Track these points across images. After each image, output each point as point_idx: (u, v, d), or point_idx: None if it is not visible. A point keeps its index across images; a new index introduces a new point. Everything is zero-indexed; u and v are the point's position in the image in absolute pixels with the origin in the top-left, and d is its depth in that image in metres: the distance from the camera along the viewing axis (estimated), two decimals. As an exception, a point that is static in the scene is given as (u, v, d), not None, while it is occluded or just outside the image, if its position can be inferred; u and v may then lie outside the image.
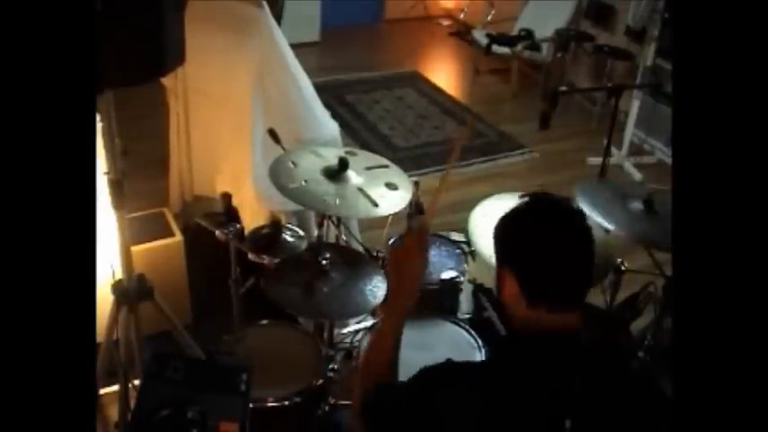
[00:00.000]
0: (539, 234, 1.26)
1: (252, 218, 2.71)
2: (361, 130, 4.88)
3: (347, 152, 2.35)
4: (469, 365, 1.33)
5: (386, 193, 2.19)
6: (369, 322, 2.35)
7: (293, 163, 2.25)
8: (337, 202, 2.09)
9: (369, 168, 2.31)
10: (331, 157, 2.28)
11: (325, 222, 2.40)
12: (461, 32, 6.70)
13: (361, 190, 2.16)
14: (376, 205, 2.12)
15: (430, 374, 1.28)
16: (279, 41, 2.80)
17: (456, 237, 2.62)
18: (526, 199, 1.33)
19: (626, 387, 1.26)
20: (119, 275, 2.04)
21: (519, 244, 1.28)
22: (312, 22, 6.21)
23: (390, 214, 2.24)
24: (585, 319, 1.25)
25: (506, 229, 1.31)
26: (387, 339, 1.44)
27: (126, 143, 1.86)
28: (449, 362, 1.31)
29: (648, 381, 1.27)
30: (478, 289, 2.57)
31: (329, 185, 2.16)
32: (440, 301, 2.36)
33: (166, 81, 2.89)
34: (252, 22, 2.75)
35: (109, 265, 2.03)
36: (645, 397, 1.25)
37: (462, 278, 2.41)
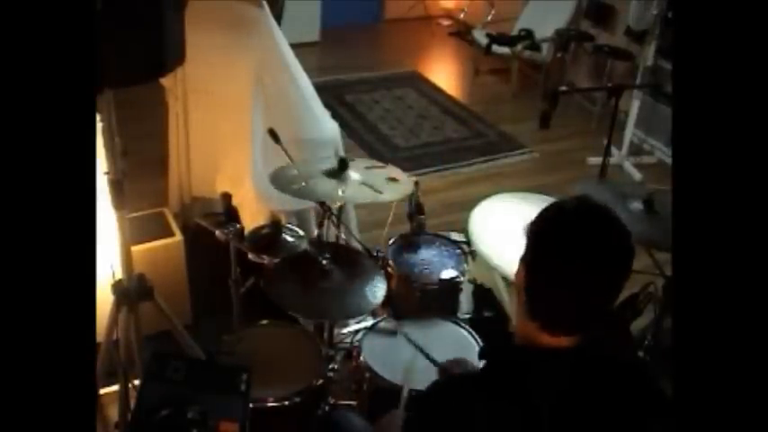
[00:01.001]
0: (556, 254, 1.15)
1: (252, 218, 2.71)
2: (361, 130, 4.88)
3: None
4: (461, 379, 1.30)
5: (388, 184, 2.19)
6: (369, 322, 2.35)
7: (296, 171, 2.25)
8: (341, 192, 2.08)
9: (367, 168, 2.31)
10: (329, 163, 2.28)
11: (326, 222, 2.40)
12: (461, 32, 6.70)
13: (363, 183, 2.16)
14: (380, 192, 2.11)
15: (428, 401, 1.27)
16: (279, 41, 2.80)
17: (456, 237, 2.62)
18: (573, 203, 1.21)
19: (617, 413, 1.20)
20: (119, 275, 2.04)
21: (536, 251, 1.19)
22: (312, 22, 6.21)
23: (390, 214, 2.24)
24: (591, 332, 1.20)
25: (535, 227, 1.20)
26: None
27: (126, 143, 1.86)
28: (438, 383, 1.28)
29: (654, 411, 1.22)
30: (479, 289, 2.58)
31: (331, 182, 2.16)
32: (440, 301, 2.36)
33: (166, 81, 2.89)
34: (252, 22, 2.75)
35: (109, 265, 2.03)
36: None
37: (462, 278, 2.41)
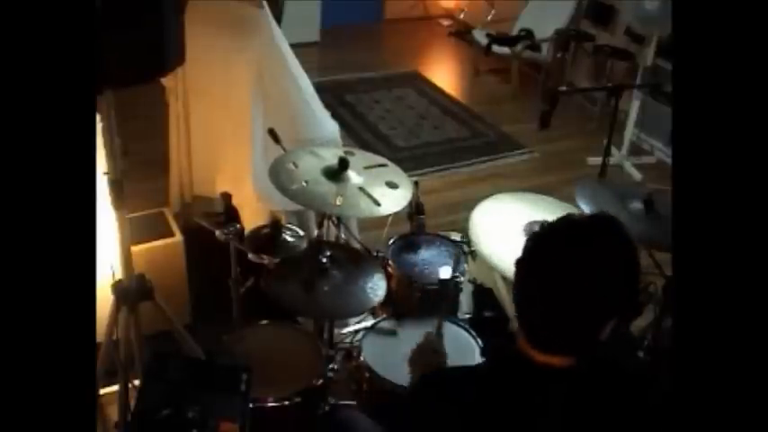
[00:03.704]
0: (536, 270, 1.14)
1: (252, 218, 2.71)
2: (361, 130, 4.88)
3: (345, 152, 2.35)
4: (458, 374, 1.30)
5: (387, 192, 2.19)
6: (369, 322, 2.35)
7: (293, 164, 2.25)
8: (339, 201, 2.09)
9: (367, 168, 2.31)
10: (330, 157, 2.28)
11: (326, 222, 2.40)
12: (461, 32, 6.70)
13: (362, 189, 2.16)
14: (378, 204, 2.12)
15: (423, 390, 1.27)
16: (279, 41, 2.80)
17: (456, 237, 2.62)
18: (554, 222, 1.17)
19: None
20: (119, 275, 2.04)
21: (518, 268, 1.17)
22: (312, 22, 6.21)
23: (390, 214, 2.24)
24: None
25: (524, 246, 1.18)
26: None
27: (126, 143, 1.85)
28: (435, 374, 1.28)
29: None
30: (478, 289, 2.58)
31: (330, 185, 2.16)
32: (440, 301, 2.36)
33: (166, 81, 2.89)
34: (252, 22, 2.75)
35: (109, 265, 2.03)
36: None
37: (462, 278, 2.41)
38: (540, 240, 1.16)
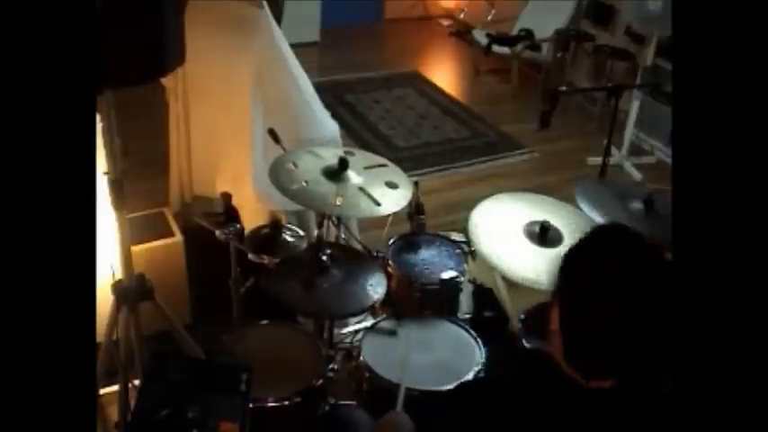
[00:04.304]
0: (591, 290, 1.12)
1: (252, 218, 2.71)
2: (361, 130, 4.88)
3: (345, 152, 2.35)
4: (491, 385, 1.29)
5: (387, 192, 2.19)
6: (369, 322, 2.35)
7: (293, 164, 2.25)
8: (339, 201, 2.09)
9: (367, 168, 2.31)
10: (330, 157, 2.28)
11: (326, 222, 2.40)
12: (461, 32, 6.71)
13: (362, 189, 2.16)
14: (378, 204, 2.12)
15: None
16: (279, 41, 2.80)
17: (456, 237, 2.62)
18: (601, 235, 1.18)
19: None
20: (119, 275, 2.04)
21: (570, 293, 1.16)
22: (312, 22, 6.21)
23: (390, 214, 2.24)
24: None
25: (566, 266, 1.16)
26: None
27: (126, 143, 1.86)
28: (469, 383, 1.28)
29: None
30: (478, 289, 2.58)
31: (330, 185, 2.16)
32: (440, 301, 2.36)
33: (166, 81, 2.89)
34: (252, 22, 2.75)
35: (109, 265, 2.03)
36: None
37: (462, 278, 2.41)
38: (586, 258, 1.16)
